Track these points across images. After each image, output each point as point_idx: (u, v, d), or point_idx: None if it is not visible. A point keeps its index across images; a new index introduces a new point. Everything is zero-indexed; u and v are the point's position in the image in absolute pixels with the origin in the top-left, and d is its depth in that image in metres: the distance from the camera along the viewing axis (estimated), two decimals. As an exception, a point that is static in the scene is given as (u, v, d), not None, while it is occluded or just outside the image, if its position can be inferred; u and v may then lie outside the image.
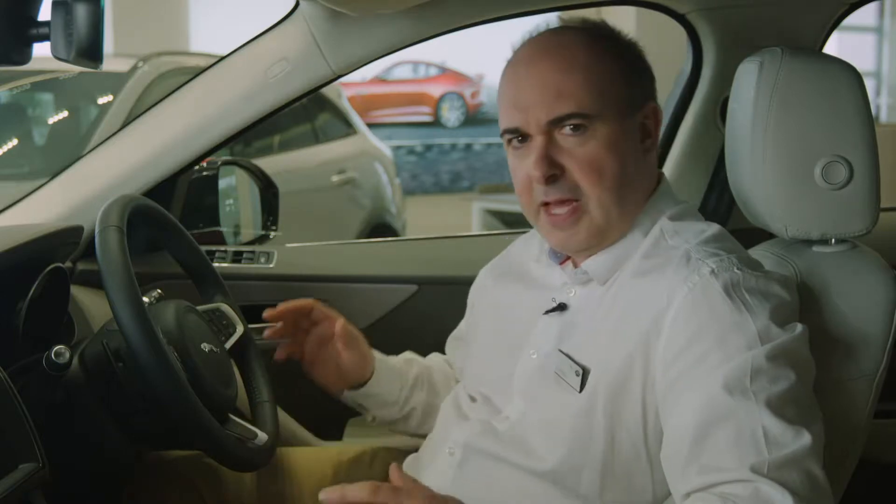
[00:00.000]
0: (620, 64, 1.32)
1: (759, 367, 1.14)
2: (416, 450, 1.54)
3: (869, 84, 9.45)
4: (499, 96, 1.34)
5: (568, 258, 1.38)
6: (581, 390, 1.25)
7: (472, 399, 1.45)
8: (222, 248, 1.98)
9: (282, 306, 1.57)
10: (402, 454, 1.60)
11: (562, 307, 1.35)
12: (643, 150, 1.34)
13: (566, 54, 1.31)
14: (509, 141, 1.33)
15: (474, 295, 1.58)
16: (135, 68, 4.12)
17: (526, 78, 1.31)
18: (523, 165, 1.31)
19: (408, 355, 1.68)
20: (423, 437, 1.53)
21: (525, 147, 1.31)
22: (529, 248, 1.50)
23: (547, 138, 1.28)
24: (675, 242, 1.29)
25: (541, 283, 1.42)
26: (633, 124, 1.32)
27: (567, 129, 1.28)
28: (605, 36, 1.34)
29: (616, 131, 1.29)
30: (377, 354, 1.63)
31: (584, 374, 1.26)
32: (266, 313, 1.56)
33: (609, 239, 1.32)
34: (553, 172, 1.27)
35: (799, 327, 1.21)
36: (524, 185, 1.32)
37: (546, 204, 1.30)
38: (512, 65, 1.35)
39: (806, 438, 1.11)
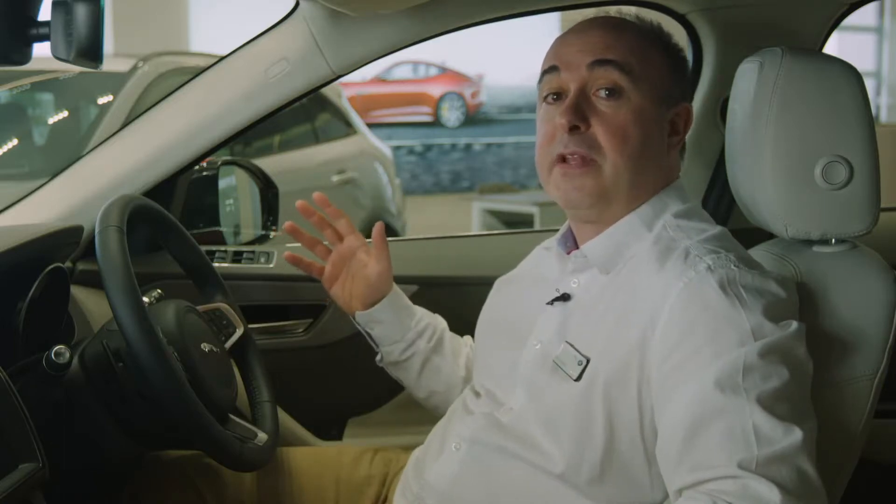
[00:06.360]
0: (664, 56, 1.36)
1: (752, 363, 1.15)
2: (415, 447, 1.54)
3: (869, 84, 9.46)
4: (542, 62, 1.37)
5: (575, 248, 1.38)
6: (578, 379, 1.26)
7: (477, 394, 1.45)
8: (222, 248, 1.97)
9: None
10: (402, 454, 1.60)
11: (565, 297, 1.35)
12: (668, 144, 1.36)
13: (617, 29, 1.35)
14: (545, 98, 1.35)
15: (484, 310, 1.56)
16: (135, 68, 4.12)
17: (573, 40, 1.35)
18: (551, 118, 1.33)
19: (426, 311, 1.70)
20: (424, 430, 1.53)
21: (558, 104, 1.33)
22: (540, 254, 1.51)
23: (582, 92, 1.31)
24: (676, 237, 1.30)
25: (546, 275, 1.43)
26: (664, 115, 1.35)
27: (602, 93, 1.30)
28: (655, 31, 1.38)
29: (648, 109, 1.31)
30: (397, 289, 1.66)
31: (586, 364, 1.26)
32: (300, 203, 1.67)
33: (610, 213, 1.33)
34: (578, 123, 1.29)
35: (794, 325, 1.21)
36: (547, 138, 1.33)
37: (563, 159, 1.31)
38: (561, 35, 1.38)
39: (797, 435, 1.11)
